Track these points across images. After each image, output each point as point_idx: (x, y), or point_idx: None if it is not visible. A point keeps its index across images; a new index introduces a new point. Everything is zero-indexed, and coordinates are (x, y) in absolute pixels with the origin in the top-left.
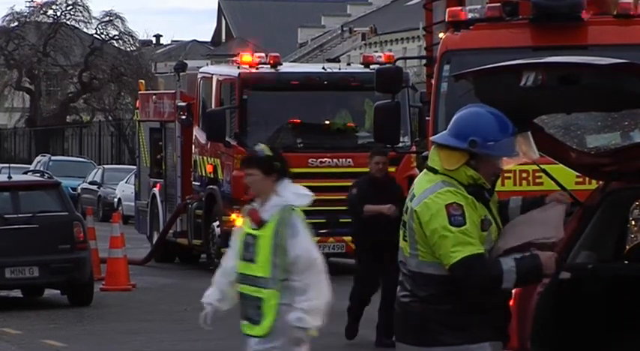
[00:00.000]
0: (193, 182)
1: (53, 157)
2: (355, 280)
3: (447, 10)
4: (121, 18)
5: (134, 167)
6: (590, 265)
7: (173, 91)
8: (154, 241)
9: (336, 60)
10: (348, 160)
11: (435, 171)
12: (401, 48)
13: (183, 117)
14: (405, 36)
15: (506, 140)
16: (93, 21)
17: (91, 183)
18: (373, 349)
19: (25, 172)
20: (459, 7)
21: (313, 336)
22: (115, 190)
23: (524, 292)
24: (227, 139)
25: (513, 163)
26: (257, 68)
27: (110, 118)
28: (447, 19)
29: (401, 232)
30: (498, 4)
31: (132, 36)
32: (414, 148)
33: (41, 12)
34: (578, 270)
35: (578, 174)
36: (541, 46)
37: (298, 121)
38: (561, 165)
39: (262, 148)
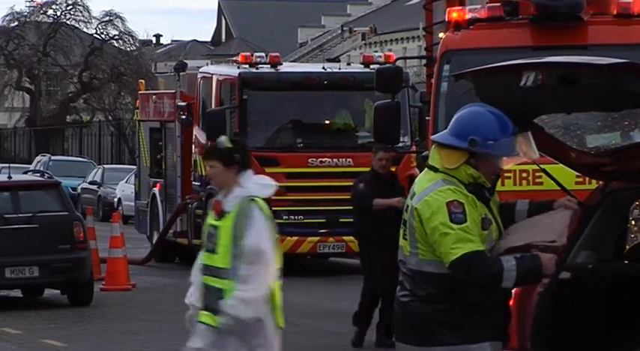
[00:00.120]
0: (193, 182)
1: (53, 157)
2: (365, 280)
3: (447, 10)
4: (121, 18)
5: (134, 167)
6: (590, 265)
7: (173, 91)
8: (153, 241)
9: (336, 60)
10: (348, 159)
11: (436, 169)
12: (401, 48)
13: (183, 117)
14: (405, 36)
15: (506, 140)
16: (93, 21)
17: (91, 183)
18: (373, 349)
19: (25, 172)
20: (459, 7)
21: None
22: (115, 190)
23: (524, 292)
24: None
25: (513, 162)
26: (257, 68)
27: (110, 118)
28: (446, 19)
29: (401, 231)
30: (498, 4)
31: (132, 36)
32: (414, 148)
33: (41, 12)
34: (578, 270)
35: (578, 174)
36: (541, 46)
37: (298, 121)
38: (561, 165)
39: (223, 140)
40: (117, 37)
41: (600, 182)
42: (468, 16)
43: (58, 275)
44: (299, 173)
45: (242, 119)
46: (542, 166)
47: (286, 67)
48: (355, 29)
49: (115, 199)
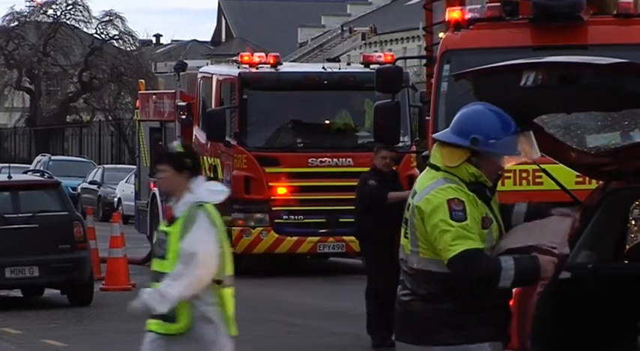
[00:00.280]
0: None
1: (53, 157)
2: (369, 280)
3: (447, 9)
4: (121, 18)
5: (134, 167)
6: (590, 265)
7: (173, 91)
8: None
9: (336, 60)
10: (348, 159)
11: (437, 168)
12: (401, 48)
13: (183, 117)
14: (405, 36)
15: (508, 138)
16: (93, 21)
17: (91, 183)
18: (373, 349)
19: (25, 172)
20: (459, 7)
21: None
22: (115, 189)
23: (524, 292)
24: (227, 138)
25: (515, 161)
26: (257, 68)
27: (110, 117)
28: (446, 19)
29: (402, 230)
30: (498, 4)
31: (132, 36)
32: (414, 148)
33: (41, 12)
34: (578, 270)
35: (578, 174)
36: (541, 46)
37: (298, 120)
38: (561, 165)
39: (174, 144)
40: (117, 37)
41: (600, 182)
42: (468, 16)
43: (58, 275)
44: (299, 173)
45: (242, 119)
46: (542, 166)
47: (286, 67)
48: (355, 29)
49: (115, 199)
